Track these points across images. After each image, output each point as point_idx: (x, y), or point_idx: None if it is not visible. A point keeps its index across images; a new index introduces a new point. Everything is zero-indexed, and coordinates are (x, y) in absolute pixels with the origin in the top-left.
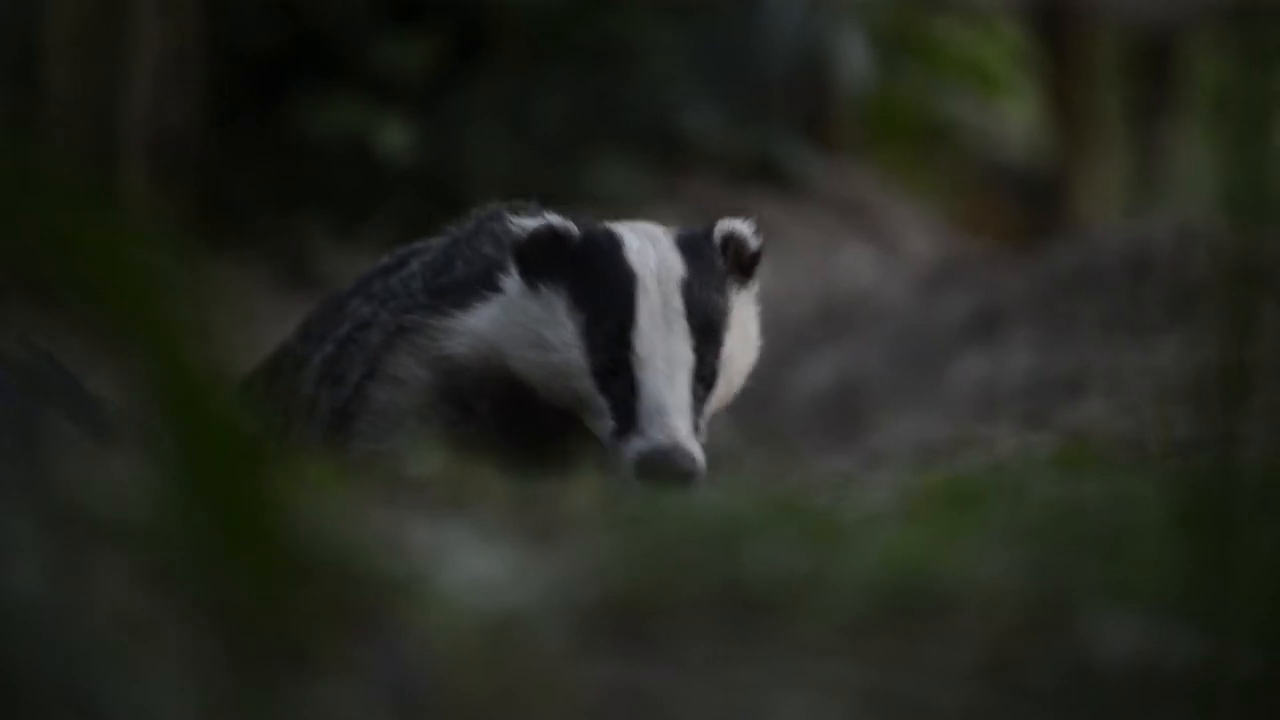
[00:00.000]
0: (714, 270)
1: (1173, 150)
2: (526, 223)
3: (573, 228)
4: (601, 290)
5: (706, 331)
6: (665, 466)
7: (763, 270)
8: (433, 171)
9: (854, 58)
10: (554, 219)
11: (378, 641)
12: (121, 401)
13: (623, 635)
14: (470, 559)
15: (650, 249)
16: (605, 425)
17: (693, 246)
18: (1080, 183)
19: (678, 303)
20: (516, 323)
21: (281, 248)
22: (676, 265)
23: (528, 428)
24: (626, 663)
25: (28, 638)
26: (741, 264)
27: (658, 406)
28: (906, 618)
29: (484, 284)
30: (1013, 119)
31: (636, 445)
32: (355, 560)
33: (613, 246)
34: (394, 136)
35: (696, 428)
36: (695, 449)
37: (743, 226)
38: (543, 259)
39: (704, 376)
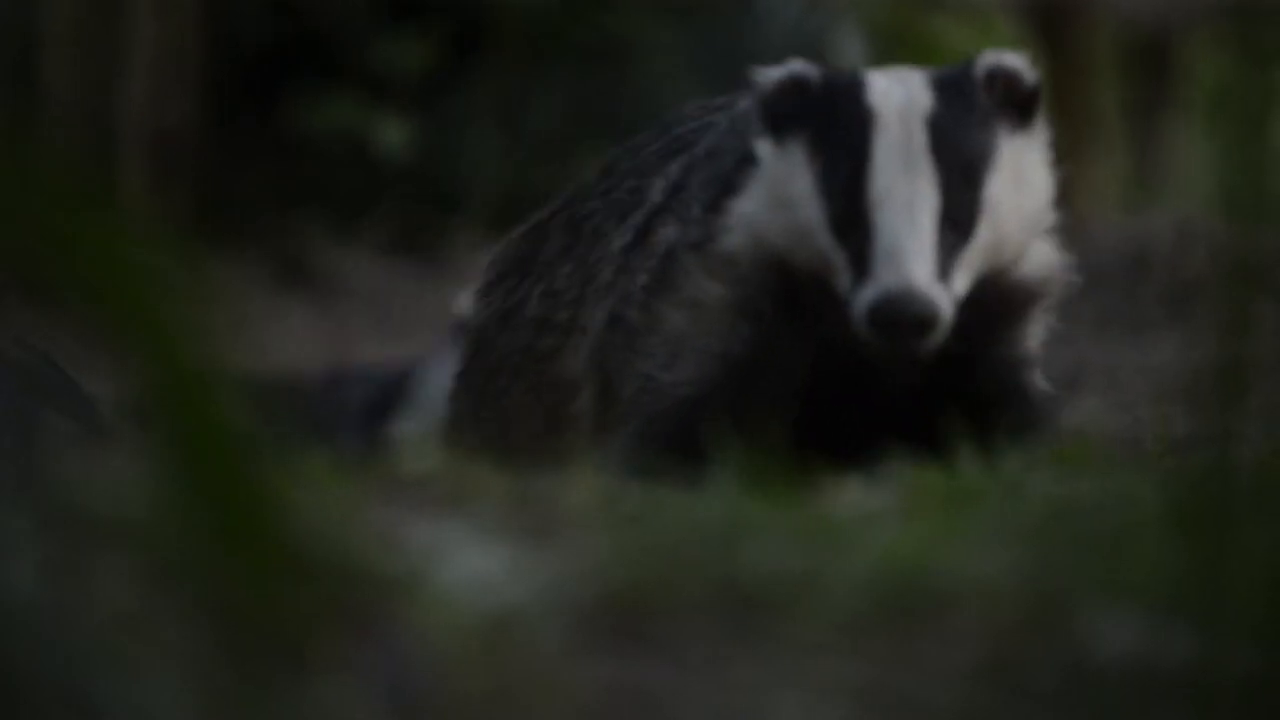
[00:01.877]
0: (974, 107)
1: (1171, 148)
2: (770, 73)
3: (814, 73)
4: (838, 133)
5: (961, 171)
6: (895, 313)
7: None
8: (431, 170)
9: (851, 55)
10: (798, 66)
11: (376, 640)
12: (121, 401)
13: (622, 634)
14: (468, 557)
15: (897, 88)
16: (844, 282)
17: (950, 84)
18: (1079, 180)
19: (921, 139)
20: (768, 187)
21: (280, 246)
22: (923, 101)
23: (807, 323)
24: (626, 661)
25: (27, 638)
26: (1015, 102)
27: (891, 248)
28: (905, 617)
29: (746, 163)
30: None
31: (865, 294)
32: (354, 559)
33: (854, 87)
34: (392, 135)
35: (945, 273)
36: (936, 293)
37: (1012, 59)
38: (787, 111)
39: (957, 221)
